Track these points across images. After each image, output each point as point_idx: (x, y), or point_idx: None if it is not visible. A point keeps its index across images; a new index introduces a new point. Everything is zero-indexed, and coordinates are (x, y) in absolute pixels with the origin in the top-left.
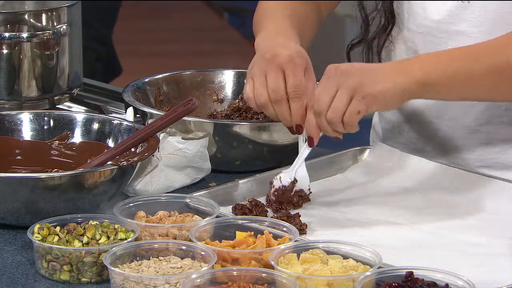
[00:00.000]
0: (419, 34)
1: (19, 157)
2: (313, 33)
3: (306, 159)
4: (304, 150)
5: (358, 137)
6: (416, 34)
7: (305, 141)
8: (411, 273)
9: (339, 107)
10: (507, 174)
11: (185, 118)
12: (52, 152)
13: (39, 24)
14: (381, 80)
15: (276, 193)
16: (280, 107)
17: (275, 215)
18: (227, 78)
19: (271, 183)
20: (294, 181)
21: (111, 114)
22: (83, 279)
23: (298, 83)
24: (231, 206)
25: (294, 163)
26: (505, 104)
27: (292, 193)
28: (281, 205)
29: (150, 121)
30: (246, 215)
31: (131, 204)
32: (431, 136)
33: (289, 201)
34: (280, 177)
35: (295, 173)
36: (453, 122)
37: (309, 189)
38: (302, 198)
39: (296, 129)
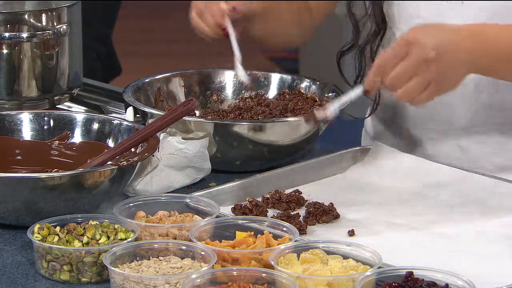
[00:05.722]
0: None
1: (19, 157)
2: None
3: (306, 159)
4: (355, 93)
5: (358, 138)
6: None
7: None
8: (411, 273)
9: (413, 94)
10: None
11: (185, 118)
12: (52, 152)
13: (39, 24)
14: (455, 74)
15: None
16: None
17: None
18: (227, 78)
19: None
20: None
21: (111, 114)
22: (83, 279)
23: None
24: (231, 206)
25: (344, 98)
26: (497, 105)
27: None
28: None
29: (150, 121)
30: (246, 215)
31: (131, 204)
32: (425, 138)
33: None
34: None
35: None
36: (447, 124)
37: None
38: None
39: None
